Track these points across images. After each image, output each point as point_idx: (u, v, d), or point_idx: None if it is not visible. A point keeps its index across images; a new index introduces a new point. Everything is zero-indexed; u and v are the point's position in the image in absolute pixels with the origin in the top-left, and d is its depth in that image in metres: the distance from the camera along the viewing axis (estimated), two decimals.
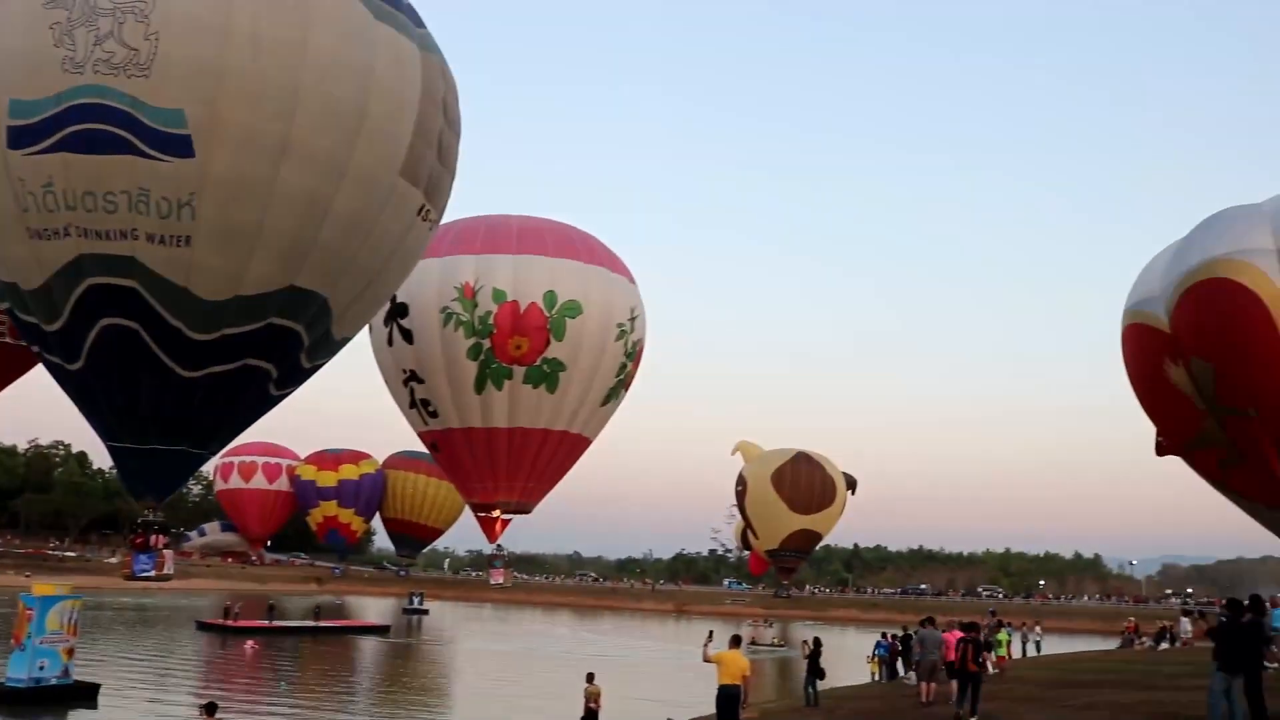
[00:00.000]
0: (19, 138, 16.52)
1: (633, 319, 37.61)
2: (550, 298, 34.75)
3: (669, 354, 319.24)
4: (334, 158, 17.66)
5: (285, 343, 19.23)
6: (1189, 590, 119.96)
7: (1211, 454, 27.44)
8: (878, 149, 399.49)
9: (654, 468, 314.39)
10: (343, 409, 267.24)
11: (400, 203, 19.22)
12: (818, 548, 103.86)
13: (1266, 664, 19.29)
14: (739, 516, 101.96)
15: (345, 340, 21.36)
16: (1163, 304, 27.39)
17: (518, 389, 34.90)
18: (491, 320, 34.39)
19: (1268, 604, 24.30)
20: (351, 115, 17.67)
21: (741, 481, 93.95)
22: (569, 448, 37.54)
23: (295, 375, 20.55)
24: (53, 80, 16.22)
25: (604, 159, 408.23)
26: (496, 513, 38.28)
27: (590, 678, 21.44)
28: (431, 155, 19.62)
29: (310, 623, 58.49)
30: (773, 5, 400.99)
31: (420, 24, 19.95)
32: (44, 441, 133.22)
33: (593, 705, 20.93)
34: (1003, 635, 29.64)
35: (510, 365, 34.66)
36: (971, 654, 18.39)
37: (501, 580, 51.07)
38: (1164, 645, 39.76)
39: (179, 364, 18.14)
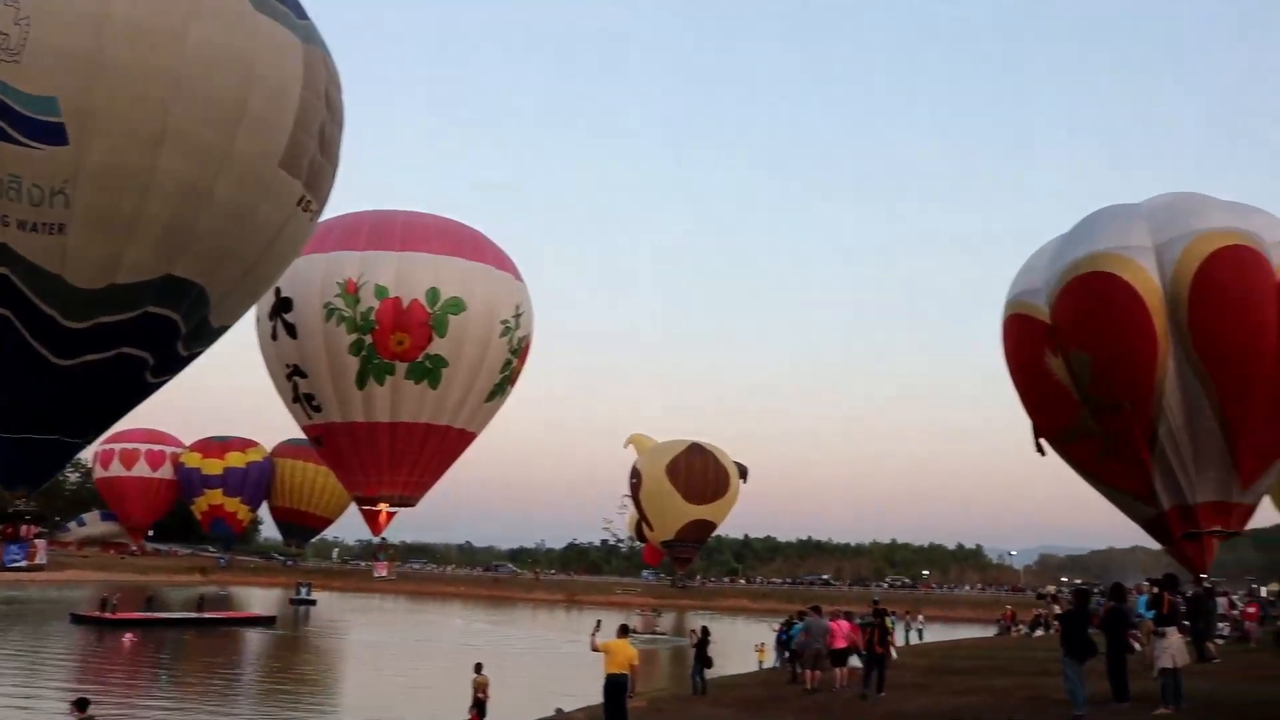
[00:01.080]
0: None
1: (518, 315, 37.86)
2: (433, 295, 34.99)
3: (562, 347, 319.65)
4: (212, 148, 17.48)
5: (161, 331, 18.99)
6: (1063, 579, 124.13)
7: (1086, 445, 28.38)
8: (763, 140, 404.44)
9: (546, 459, 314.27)
10: (234, 397, 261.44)
11: (280, 193, 19.07)
12: (710, 538, 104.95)
13: (1135, 647, 20.22)
14: (632, 508, 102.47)
15: (224, 329, 21.13)
16: (1045, 295, 28.23)
17: (400, 384, 35.19)
18: (373, 316, 34.67)
19: (1133, 591, 25.51)
20: (231, 106, 17.50)
21: (635, 474, 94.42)
22: (452, 442, 37.82)
23: (172, 363, 20.29)
24: None
25: (500, 154, 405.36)
26: (381, 506, 38.43)
27: (478, 668, 21.40)
28: (313, 146, 19.47)
29: (193, 614, 57.13)
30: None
31: (303, 15, 19.76)
32: None
33: (481, 695, 20.89)
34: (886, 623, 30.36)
35: (392, 361, 34.96)
36: (878, 637, 19.91)
37: (385, 573, 50.85)
38: (1039, 632, 41.15)
39: (52, 352, 17.78)
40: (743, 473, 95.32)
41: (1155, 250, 26.52)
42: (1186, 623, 18.25)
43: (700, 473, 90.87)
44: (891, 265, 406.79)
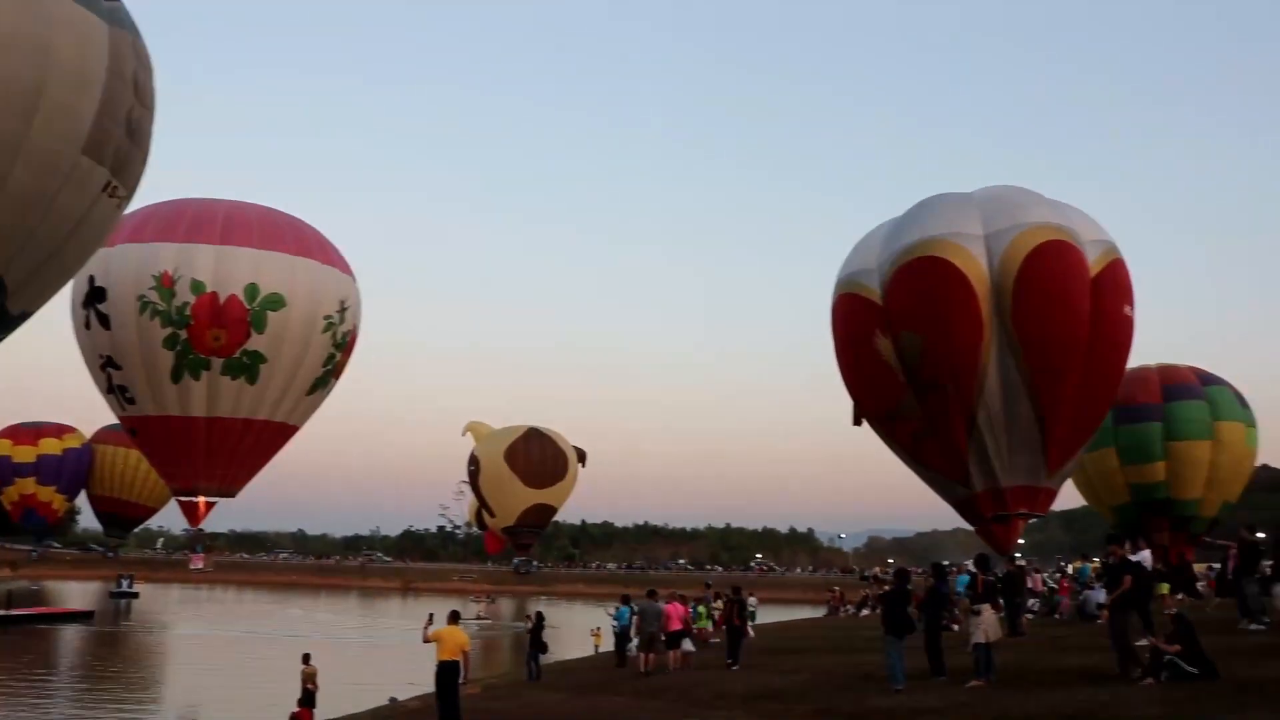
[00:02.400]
0: None
1: (342, 310, 37.54)
2: (252, 290, 34.50)
3: (396, 336, 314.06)
4: (8, 136, 16.97)
5: None
6: (890, 560, 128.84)
7: (908, 425, 29.36)
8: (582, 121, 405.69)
9: (384, 447, 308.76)
10: (52, 382, 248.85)
11: (83, 180, 18.54)
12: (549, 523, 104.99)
13: (952, 626, 21.17)
14: (472, 496, 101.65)
15: (26, 314, 20.37)
16: (877, 277, 28.98)
17: (216, 380, 34.83)
18: (189, 311, 34.18)
19: (953, 571, 26.68)
20: (28, 93, 16.94)
21: (474, 461, 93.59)
22: (271, 436, 37.52)
23: None
24: None
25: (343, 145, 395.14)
26: (198, 498, 37.95)
27: (306, 658, 20.99)
28: (119, 132, 18.97)
29: None
30: None
31: None
32: None
33: (309, 686, 20.50)
34: (717, 605, 30.98)
35: (209, 357, 34.59)
36: (737, 612, 22.34)
37: (201, 565, 49.89)
38: (865, 611, 42.54)
39: None
40: (581, 456, 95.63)
41: (985, 239, 27.61)
42: (1000, 600, 19.16)
43: (539, 457, 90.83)
44: (731, 247, 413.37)
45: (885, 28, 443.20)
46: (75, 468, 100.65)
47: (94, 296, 34.37)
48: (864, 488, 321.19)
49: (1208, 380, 44.32)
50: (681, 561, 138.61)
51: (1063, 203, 29.39)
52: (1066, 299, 27.28)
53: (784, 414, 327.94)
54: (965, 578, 23.53)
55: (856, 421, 30.86)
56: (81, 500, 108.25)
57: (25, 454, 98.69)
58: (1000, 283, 27.17)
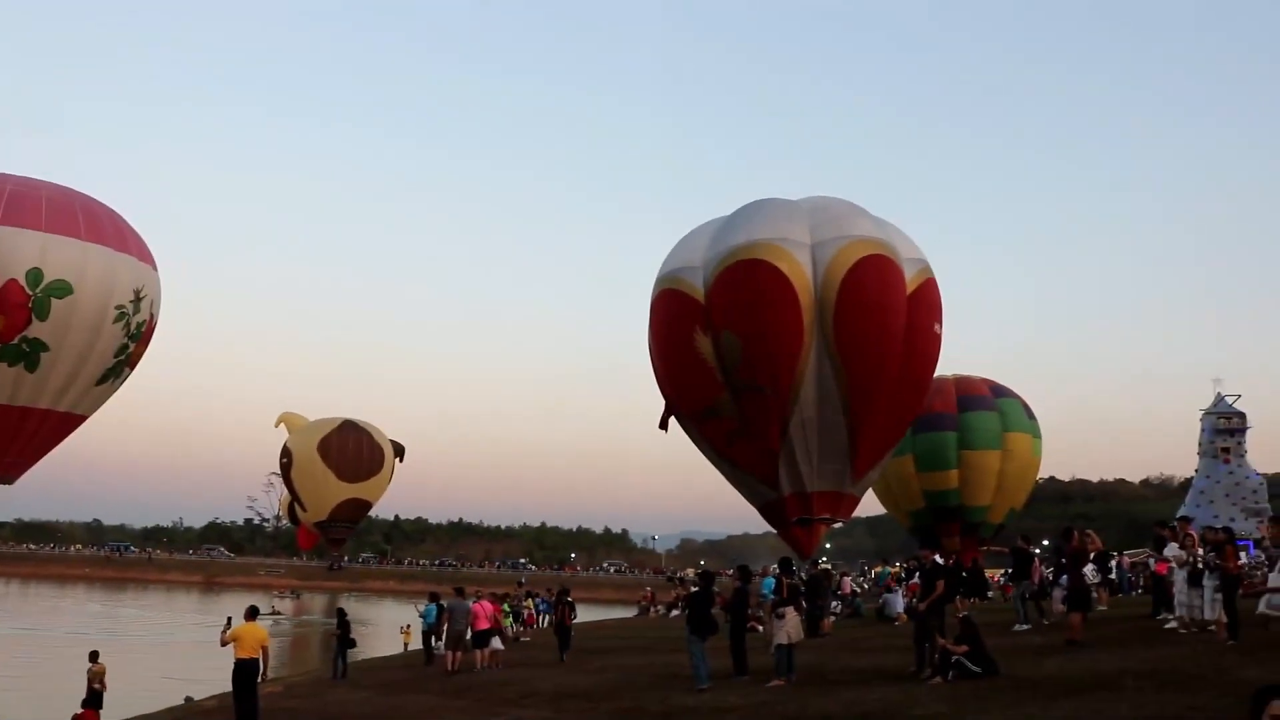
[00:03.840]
0: None
1: (138, 300, 35.75)
2: (35, 275, 32.54)
3: (203, 324, 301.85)
4: None
5: None
6: (702, 562, 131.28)
7: (722, 425, 29.60)
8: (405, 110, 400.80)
9: (189, 437, 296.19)
10: None
11: None
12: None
13: (756, 627, 21.70)
14: (284, 490, 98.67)
15: None
16: (701, 275, 29.02)
17: None
18: None
19: (759, 574, 27.32)
20: None
21: (286, 453, 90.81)
22: (54, 426, 35.71)
23: None
24: None
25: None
26: None
27: (94, 656, 19.98)
28: None
29: None
30: None
31: None
32: None
33: (97, 686, 19.51)
34: (528, 604, 31.06)
35: None
36: (566, 613, 24.37)
37: None
38: (674, 613, 43.18)
39: None
40: (399, 451, 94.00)
41: (811, 248, 28.13)
42: (804, 603, 19.77)
43: (354, 451, 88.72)
44: (554, 245, 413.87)
45: (706, 20, 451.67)
46: None
47: None
48: (679, 490, 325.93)
49: (999, 392, 46.84)
50: (518, 563, 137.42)
51: (883, 219, 30.43)
52: (884, 313, 28.20)
53: (598, 414, 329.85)
54: (771, 580, 24.22)
55: (663, 425, 31.15)
56: None
57: None
58: (823, 291, 27.76)
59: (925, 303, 29.61)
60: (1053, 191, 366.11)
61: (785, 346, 27.67)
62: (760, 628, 21.97)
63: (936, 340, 30.38)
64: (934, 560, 15.94)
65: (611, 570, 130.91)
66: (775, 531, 32.08)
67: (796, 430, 28.34)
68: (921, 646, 14.64)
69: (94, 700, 19.38)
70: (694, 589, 18.23)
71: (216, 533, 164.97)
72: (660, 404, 31.54)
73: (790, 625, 15.46)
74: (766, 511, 30.79)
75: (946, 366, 35.84)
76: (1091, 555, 21.21)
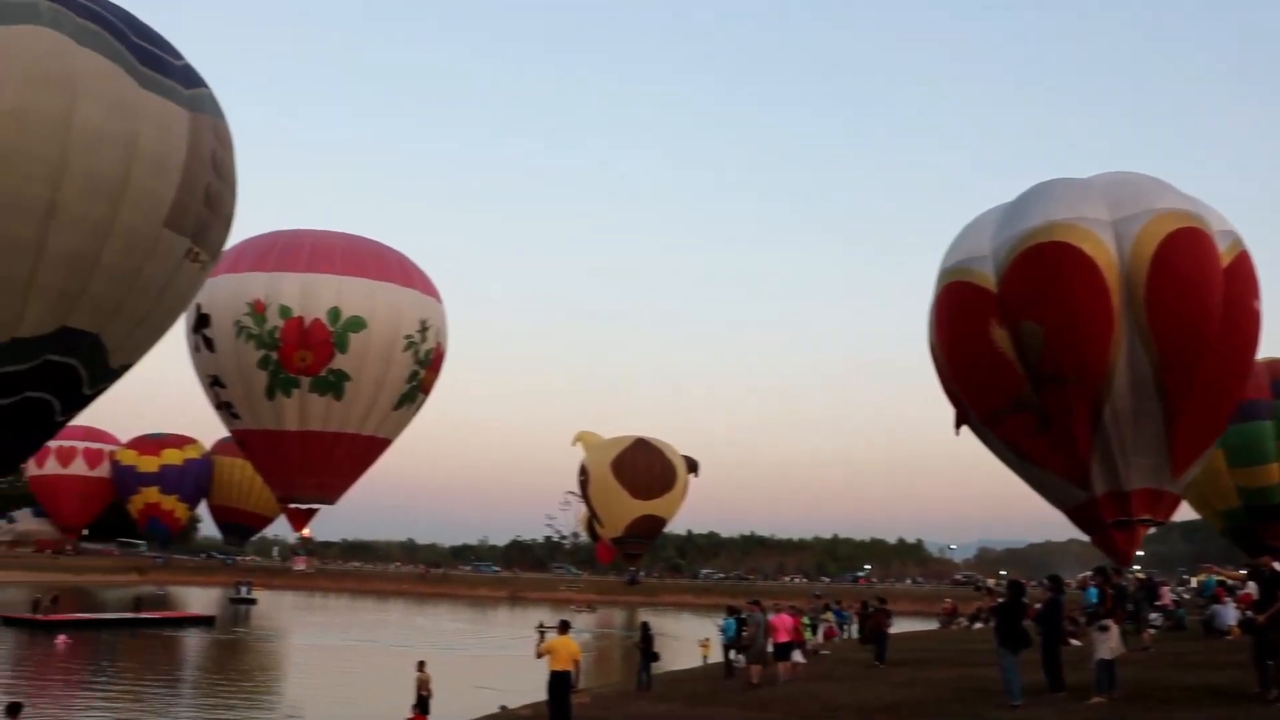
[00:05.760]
0: None
1: (424, 330, 40.27)
2: (334, 314, 37.64)
3: (501, 347, 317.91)
4: (99, 220, 18.90)
5: (63, 376, 20.50)
6: (1002, 572, 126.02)
7: (1021, 422, 27.64)
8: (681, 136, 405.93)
9: (490, 456, 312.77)
10: (182, 395, 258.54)
11: (166, 250, 20.44)
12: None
13: (1070, 640, 20.58)
14: (583, 505, 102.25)
15: (126, 367, 22.37)
16: (992, 263, 27.24)
17: (306, 397, 37.90)
18: (278, 335, 37.43)
19: (1069, 584, 25.89)
20: (115, 181, 18.86)
21: (583, 471, 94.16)
22: (363, 448, 40.51)
23: (77, 401, 21.75)
24: None
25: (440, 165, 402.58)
26: (298, 505, 41.52)
27: (421, 665, 21.32)
28: (198, 205, 20.82)
29: (129, 615, 56.16)
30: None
31: (194, 83, 21.21)
32: None
33: (424, 692, 20.83)
34: (826, 616, 30.87)
35: (297, 376, 37.71)
36: (883, 618, 26.50)
37: (304, 567, 53.26)
38: (978, 625, 41.61)
39: None
40: (693, 466, 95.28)
41: (1113, 225, 25.99)
42: (1129, 613, 18.55)
43: (645, 468, 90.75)
44: (829, 260, 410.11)
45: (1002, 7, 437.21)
46: (196, 478, 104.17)
47: (201, 323, 37.90)
48: (974, 497, 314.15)
49: None
50: (797, 580, 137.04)
51: (1187, 193, 27.92)
52: (1200, 289, 25.79)
53: (887, 420, 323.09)
54: (1094, 590, 22.79)
55: (958, 426, 29.59)
56: (202, 509, 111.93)
57: (149, 464, 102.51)
58: (1131, 270, 25.63)
59: (1242, 277, 27.08)
60: None
61: (1093, 332, 25.67)
62: (1076, 641, 20.83)
63: (1256, 318, 27.76)
64: (1274, 568, 14.47)
65: (908, 581, 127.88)
66: (1085, 537, 30.11)
67: (1110, 423, 26.16)
68: (1264, 665, 13.33)
69: (422, 706, 20.73)
70: (1002, 599, 17.43)
71: (519, 549, 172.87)
72: (946, 405, 30.27)
73: (1114, 639, 14.55)
74: (1076, 515, 28.75)
75: (1262, 348, 32.38)
76: None
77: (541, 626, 17.33)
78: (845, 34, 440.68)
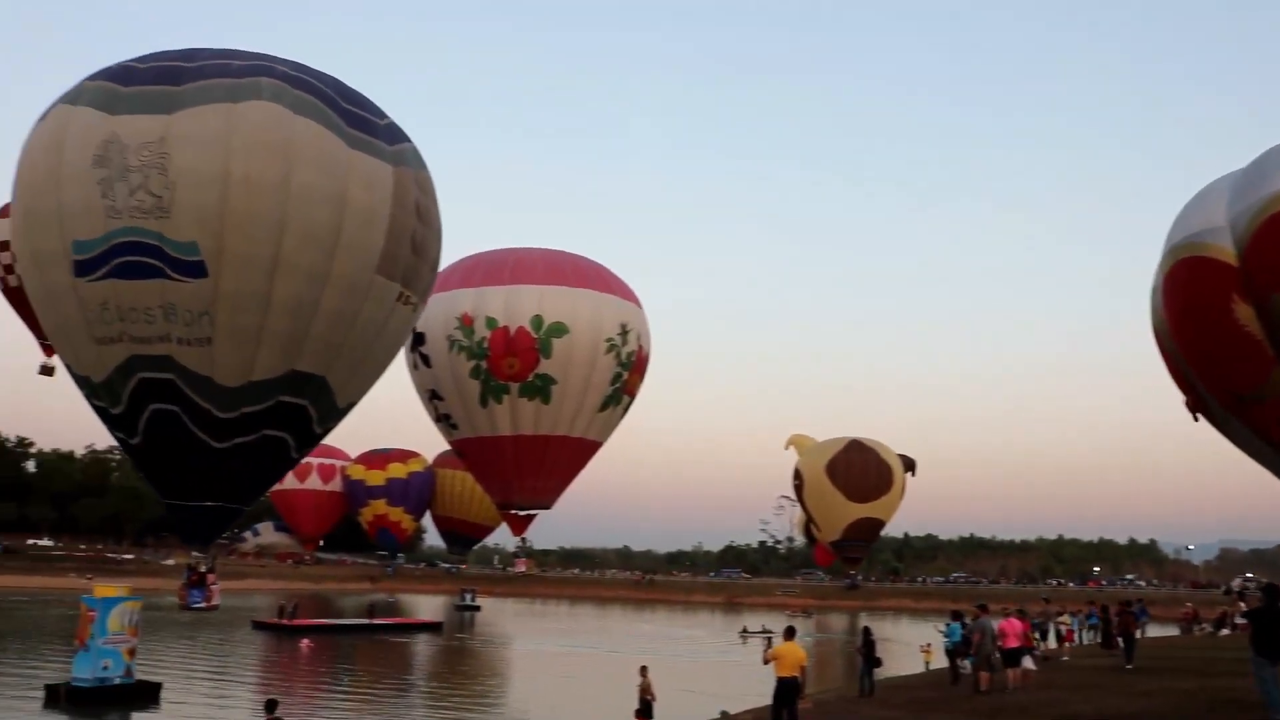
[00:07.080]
0: (81, 269, 20.73)
1: (624, 333, 41.63)
2: (537, 321, 39.36)
3: (713, 352, 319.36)
4: (317, 269, 21.20)
5: (295, 415, 22.68)
6: (1248, 574, 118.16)
7: (1272, 407, 25.55)
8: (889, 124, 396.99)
9: (702, 461, 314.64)
10: (401, 409, 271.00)
11: (380, 295, 22.60)
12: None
13: None
14: (798, 509, 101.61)
15: (351, 405, 24.45)
16: (1230, 235, 24.75)
17: (516, 402, 39.66)
18: (486, 344, 39.26)
19: None
20: (329, 233, 21.17)
21: (798, 475, 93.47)
22: (572, 449, 41.99)
23: (309, 439, 23.96)
24: (100, 224, 20.32)
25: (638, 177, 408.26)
26: (518, 510, 43.19)
27: (643, 670, 21.52)
28: (406, 252, 22.92)
29: (364, 620, 59.20)
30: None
31: (397, 139, 23.26)
32: (100, 447, 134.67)
33: (647, 697, 21.00)
34: (1063, 619, 29.81)
35: (506, 382, 39.43)
36: (1132, 620, 26.52)
37: (524, 569, 56.48)
38: (1224, 631, 39.15)
39: (211, 437, 21.80)
40: (909, 465, 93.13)
41: None
42: None
43: (860, 471, 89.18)
44: (1040, 249, 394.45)
45: None
46: (420, 490, 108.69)
47: (417, 341, 39.79)
48: (1214, 492, 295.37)
49: None
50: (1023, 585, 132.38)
51: None
52: None
53: (1115, 412, 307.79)
54: None
55: (1194, 411, 27.43)
56: (426, 520, 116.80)
57: (376, 478, 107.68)
58: None
59: None
60: None
61: None
62: None
63: None
64: None
65: (1141, 584, 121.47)
66: None
67: None
68: None
69: (645, 710, 20.91)
70: (1258, 604, 16.23)
71: (733, 555, 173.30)
72: (1175, 393, 28.21)
73: None
74: None
75: None
76: None
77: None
78: (1032, 28, 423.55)
